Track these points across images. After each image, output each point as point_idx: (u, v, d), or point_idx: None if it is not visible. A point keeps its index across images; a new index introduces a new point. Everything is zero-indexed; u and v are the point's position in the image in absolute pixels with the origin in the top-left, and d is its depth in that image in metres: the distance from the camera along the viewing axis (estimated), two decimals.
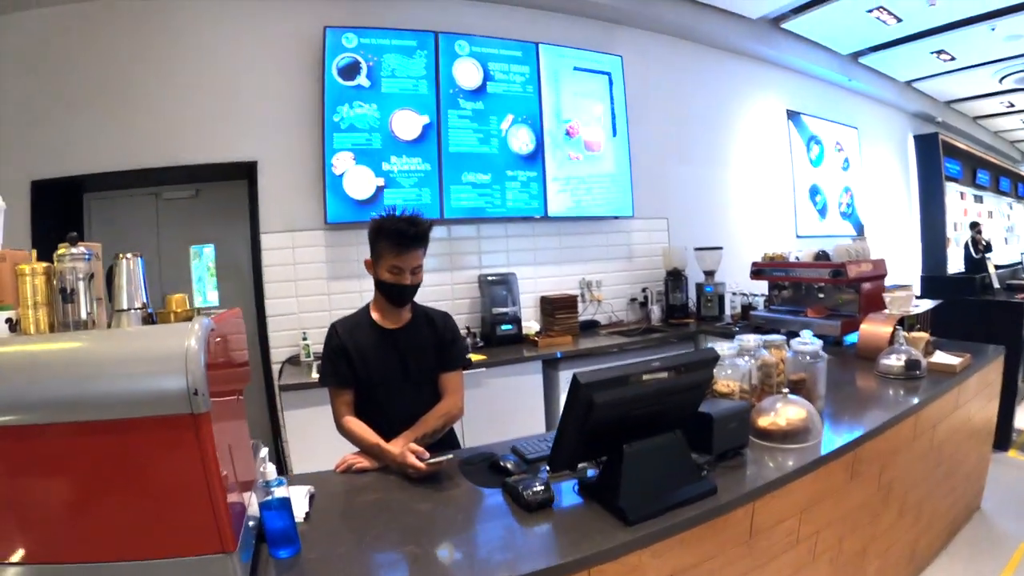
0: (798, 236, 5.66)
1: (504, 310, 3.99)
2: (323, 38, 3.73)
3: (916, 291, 4.43)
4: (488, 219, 4.17)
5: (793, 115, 5.72)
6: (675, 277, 4.55)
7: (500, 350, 3.81)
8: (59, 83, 3.57)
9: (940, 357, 2.57)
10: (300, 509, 1.48)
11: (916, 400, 2.10)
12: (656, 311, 4.55)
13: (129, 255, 1.27)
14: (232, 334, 1.41)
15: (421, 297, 3.85)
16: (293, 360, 3.72)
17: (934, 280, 4.73)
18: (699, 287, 4.60)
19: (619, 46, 4.60)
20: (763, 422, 1.77)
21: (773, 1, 4.62)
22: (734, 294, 4.49)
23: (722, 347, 1.95)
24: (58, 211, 3.81)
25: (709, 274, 4.59)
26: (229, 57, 3.73)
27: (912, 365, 2.41)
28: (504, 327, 3.96)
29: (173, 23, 3.66)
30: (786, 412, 1.78)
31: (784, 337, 2.15)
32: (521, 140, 4.16)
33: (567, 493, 1.53)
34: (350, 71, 3.80)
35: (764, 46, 5.14)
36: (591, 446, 1.44)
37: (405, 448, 1.72)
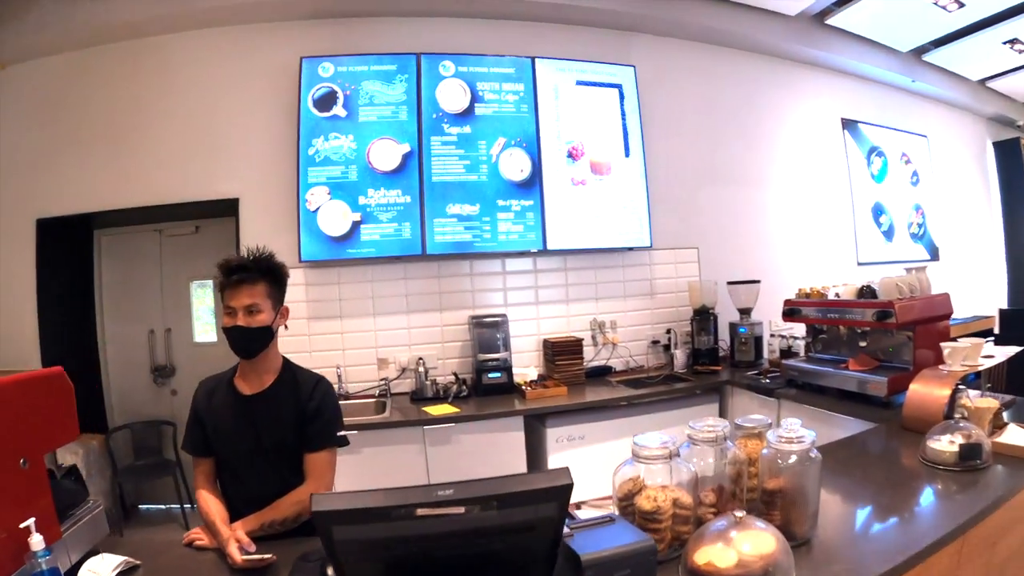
0: (860, 263, 4.84)
1: (493, 356, 3.53)
2: (299, 69, 3.56)
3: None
4: (480, 254, 3.74)
5: (849, 124, 4.93)
6: (702, 316, 3.91)
7: (486, 401, 3.38)
8: (62, 126, 3.72)
9: (1012, 435, 1.87)
10: None
11: (965, 516, 1.45)
12: (680, 356, 3.92)
13: None
14: (19, 399, 1.33)
15: (410, 338, 3.64)
16: None
17: (1017, 315, 3.76)
18: (732, 327, 3.94)
19: (631, 55, 4.09)
20: (700, 559, 1.21)
21: None
22: (772, 335, 3.80)
23: (702, 421, 1.43)
24: (68, 246, 4.02)
25: (744, 312, 3.92)
26: (212, 94, 3.73)
27: (969, 453, 1.74)
28: (492, 375, 3.49)
29: (163, 64, 3.73)
30: (740, 544, 1.21)
31: (768, 421, 1.56)
32: (515, 165, 3.72)
33: None
34: (326, 102, 3.57)
35: (808, 46, 4.45)
36: None
37: (233, 535, 1.52)
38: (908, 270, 2.95)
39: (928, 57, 4.95)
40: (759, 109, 4.56)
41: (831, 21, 4.29)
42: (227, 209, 3.75)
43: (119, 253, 4.33)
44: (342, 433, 1.81)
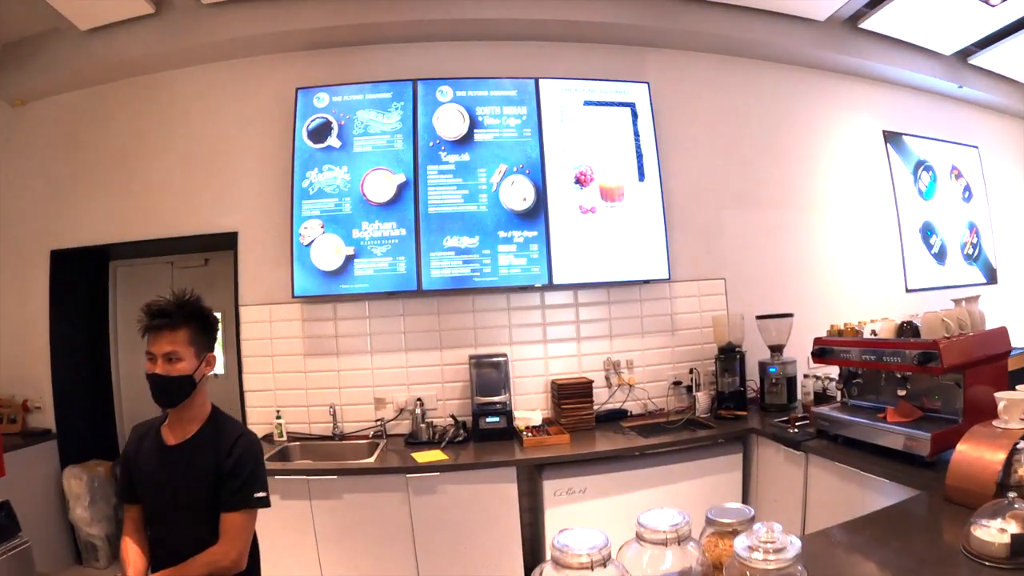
0: (909, 290, 4.35)
1: (492, 399, 3.28)
2: (295, 101, 3.50)
3: None
4: (482, 290, 3.51)
5: (892, 137, 4.48)
6: (727, 354, 3.53)
7: (483, 447, 3.13)
8: (75, 160, 3.84)
9: None
10: None
11: None
12: (703, 399, 3.54)
13: None
14: None
15: (408, 377, 3.48)
16: (267, 439, 3.41)
17: None
18: (762, 366, 3.54)
19: (645, 71, 3.83)
20: None
21: None
22: (806, 376, 3.41)
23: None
24: (83, 276, 4.14)
25: (776, 349, 3.52)
26: (212, 128, 3.76)
27: (1021, 545, 1.37)
28: (490, 419, 3.23)
29: (167, 99, 3.80)
30: None
31: (750, 515, 1.23)
32: (517, 194, 3.49)
33: None
34: (320, 133, 3.48)
35: (841, 53, 4.06)
36: None
37: None
38: (956, 301, 2.55)
39: (974, 60, 4.47)
40: (790, 124, 4.18)
41: (864, 25, 3.89)
42: (229, 243, 3.70)
43: (133, 284, 4.40)
44: (261, 495, 1.66)
